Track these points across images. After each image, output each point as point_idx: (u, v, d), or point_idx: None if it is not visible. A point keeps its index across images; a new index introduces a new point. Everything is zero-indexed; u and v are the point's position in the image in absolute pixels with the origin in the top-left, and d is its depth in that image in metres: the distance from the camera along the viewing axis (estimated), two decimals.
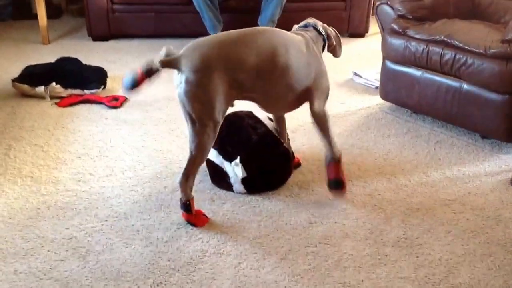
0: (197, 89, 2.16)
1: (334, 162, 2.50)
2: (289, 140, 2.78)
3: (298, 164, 2.82)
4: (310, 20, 2.62)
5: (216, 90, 2.18)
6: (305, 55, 2.42)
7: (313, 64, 2.45)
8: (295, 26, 2.64)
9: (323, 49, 2.59)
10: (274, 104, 2.46)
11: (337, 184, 2.52)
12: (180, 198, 2.34)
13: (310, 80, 2.43)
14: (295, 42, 2.40)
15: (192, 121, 2.20)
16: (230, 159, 2.53)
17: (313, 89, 2.45)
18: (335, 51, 2.68)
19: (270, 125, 2.66)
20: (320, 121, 2.46)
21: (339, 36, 2.68)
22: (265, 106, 2.47)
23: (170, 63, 2.18)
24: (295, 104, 2.50)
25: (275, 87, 2.35)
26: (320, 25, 2.59)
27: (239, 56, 2.22)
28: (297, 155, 2.81)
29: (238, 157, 2.50)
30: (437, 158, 2.92)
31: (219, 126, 2.26)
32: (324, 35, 2.57)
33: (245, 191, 2.57)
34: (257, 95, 2.35)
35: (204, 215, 2.40)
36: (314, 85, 2.45)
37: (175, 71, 2.20)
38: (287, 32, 2.47)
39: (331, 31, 2.64)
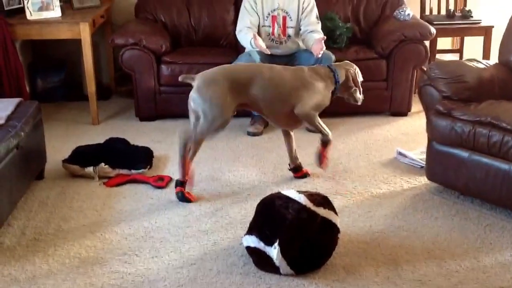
0: (208, 91, 3.11)
1: (321, 146, 3.33)
2: (296, 152, 3.51)
3: (306, 175, 3.55)
4: (339, 67, 3.41)
5: (223, 94, 3.10)
6: (290, 75, 3.28)
7: (302, 85, 3.25)
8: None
9: (334, 90, 3.34)
10: (268, 108, 3.26)
11: (318, 158, 3.36)
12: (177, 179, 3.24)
13: (297, 96, 3.23)
14: (280, 67, 3.35)
15: (197, 117, 3.17)
16: (271, 243, 2.51)
17: (297, 101, 3.25)
18: (353, 97, 3.45)
19: (302, 199, 2.60)
20: (304, 118, 3.27)
21: (359, 83, 3.43)
22: (260, 111, 3.31)
23: (187, 78, 3.23)
24: (288, 116, 3.29)
25: (263, 93, 3.20)
26: (342, 71, 3.36)
27: (234, 72, 3.24)
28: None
29: (278, 240, 2.48)
30: (488, 242, 2.83)
31: (227, 123, 3.18)
32: (337, 78, 3.33)
33: (292, 272, 2.53)
34: (251, 101, 3.21)
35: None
36: (298, 100, 3.24)
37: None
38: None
39: (353, 77, 3.39)
